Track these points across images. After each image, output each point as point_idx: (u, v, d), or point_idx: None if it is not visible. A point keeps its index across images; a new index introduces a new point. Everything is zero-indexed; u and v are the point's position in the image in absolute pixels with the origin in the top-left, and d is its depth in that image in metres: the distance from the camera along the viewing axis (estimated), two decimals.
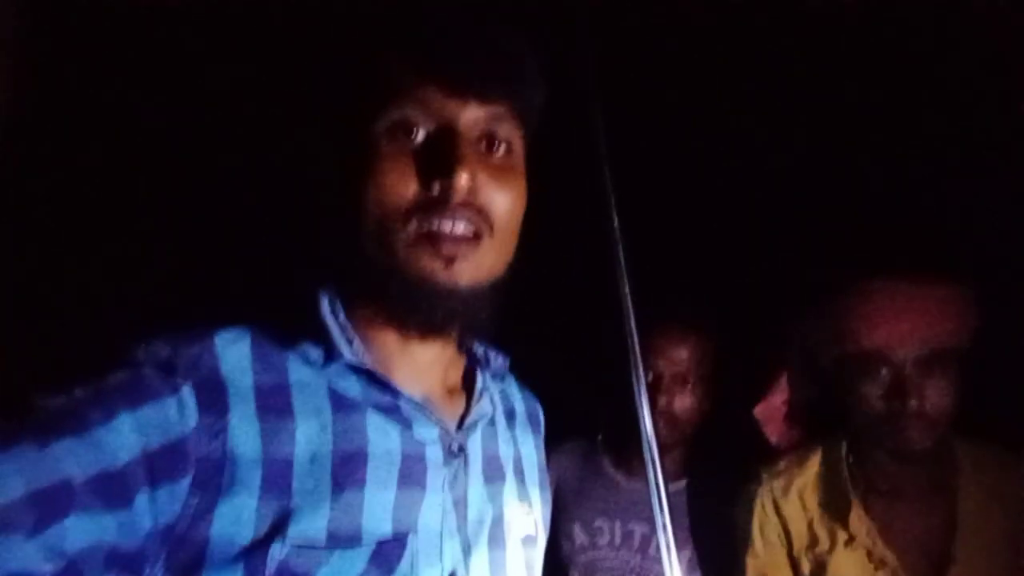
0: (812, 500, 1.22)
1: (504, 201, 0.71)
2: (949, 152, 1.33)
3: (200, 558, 0.58)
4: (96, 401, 0.57)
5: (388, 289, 0.69)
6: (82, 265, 1.33)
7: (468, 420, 0.78)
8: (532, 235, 0.77)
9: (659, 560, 1.00)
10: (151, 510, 0.57)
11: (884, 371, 1.10)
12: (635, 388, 0.93)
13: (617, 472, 1.45)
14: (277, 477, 0.62)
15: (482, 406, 0.80)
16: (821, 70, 1.40)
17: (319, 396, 0.68)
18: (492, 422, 0.83)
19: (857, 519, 1.15)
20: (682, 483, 1.40)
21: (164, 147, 1.37)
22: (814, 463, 1.24)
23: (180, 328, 0.66)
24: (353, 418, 0.68)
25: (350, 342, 0.70)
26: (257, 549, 0.59)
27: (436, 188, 0.66)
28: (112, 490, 0.54)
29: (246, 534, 0.60)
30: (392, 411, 0.71)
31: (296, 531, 0.61)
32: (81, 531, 0.51)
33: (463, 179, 0.66)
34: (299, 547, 0.60)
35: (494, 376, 0.87)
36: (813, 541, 1.20)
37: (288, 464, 0.63)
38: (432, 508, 0.70)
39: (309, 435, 0.65)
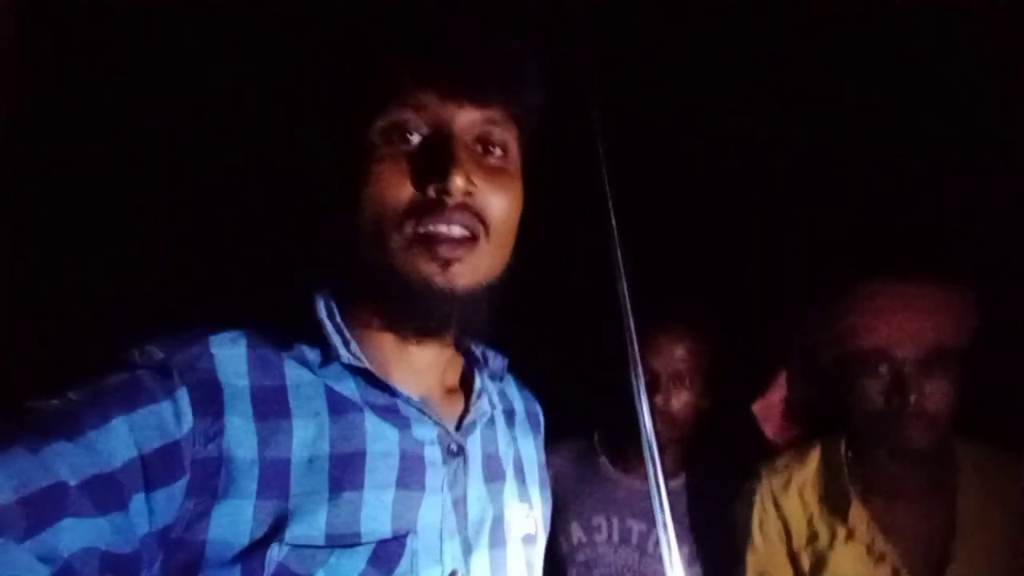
0: (812, 496, 1.22)
1: (500, 203, 0.71)
2: (949, 152, 1.32)
3: (197, 560, 0.58)
4: (91, 404, 0.57)
5: (385, 291, 0.69)
6: (82, 265, 1.33)
7: (467, 420, 0.78)
8: (531, 235, 0.77)
9: (657, 557, 1.00)
10: (147, 513, 0.57)
11: (884, 371, 1.11)
12: (634, 387, 0.92)
13: (614, 469, 1.45)
14: (274, 478, 0.62)
15: (481, 406, 0.80)
16: (821, 70, 1.40)
17: (316, 397, 0.68)
18: (491, 422, 0.83)
19: (856, 514, 1.15)
20: (680, 480, 1.41)
21: (163, 148, 1.38)
22: (813, 460, 1.24)
23: (177, 329, 0.66)
24: (351, 418, 0.68)
25: (347, 343, 0.70)
26: (255, 551, 0.59)
27: (432, 191, 0.67)
28: (107, 493, 0.54)
29: (243, 536, 0.60)
30: (390, 411, 0.71)
31: (294, 532, 0.61)
32: (76, 534, 0.51)
33: (458, 182, 0.66)
34: (297, 548, 0.60)
35: (493, 376, 0.88)
36: (813, 537, 1.20)
37: (285, 465, 0.63)
38: (432, 508, 0.70)
39: (306, 436, 0.65)
